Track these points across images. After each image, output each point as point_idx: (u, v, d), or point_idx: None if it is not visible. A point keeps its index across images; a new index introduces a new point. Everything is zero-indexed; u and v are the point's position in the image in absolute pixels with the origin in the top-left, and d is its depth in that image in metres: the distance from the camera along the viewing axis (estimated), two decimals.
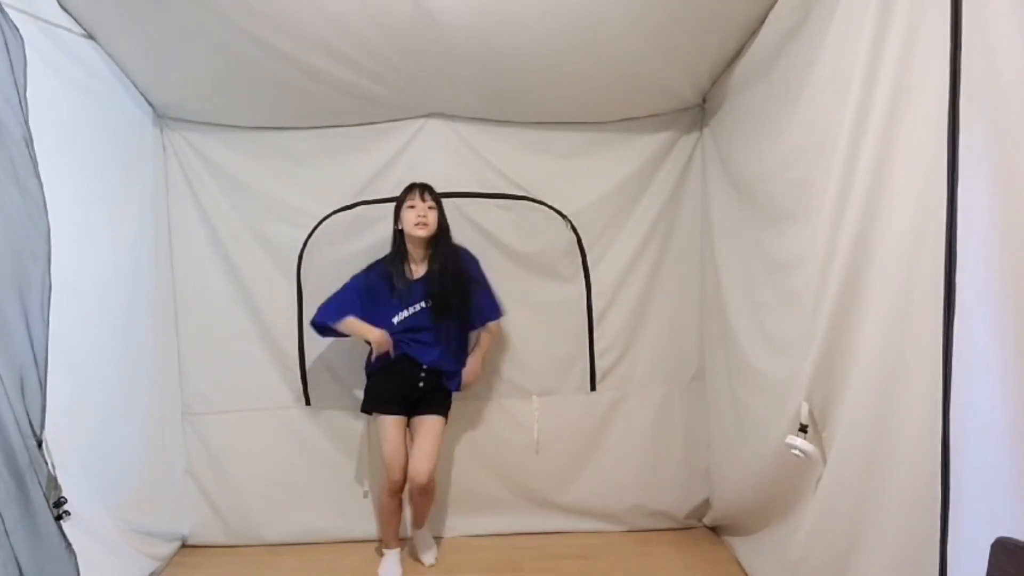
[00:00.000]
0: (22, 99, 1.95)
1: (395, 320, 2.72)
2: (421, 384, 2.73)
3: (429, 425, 2.72)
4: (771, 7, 2.27)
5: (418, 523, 2.88)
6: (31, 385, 1.94)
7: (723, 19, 2.37)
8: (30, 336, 1.94)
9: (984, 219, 1.39)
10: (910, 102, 1.62)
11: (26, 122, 1.96)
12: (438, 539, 3.06)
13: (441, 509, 3.08)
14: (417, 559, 2.88)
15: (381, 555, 2.84)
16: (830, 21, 1.92)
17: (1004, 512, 1.35)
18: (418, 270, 2.76)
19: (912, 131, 1.61)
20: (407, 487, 2.73)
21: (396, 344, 2.70)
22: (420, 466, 2.65)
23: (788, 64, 2.20)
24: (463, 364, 2.84)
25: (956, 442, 1.47)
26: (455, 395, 2.85)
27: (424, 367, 2.72)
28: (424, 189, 2.73)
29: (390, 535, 2.82)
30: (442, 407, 2.78)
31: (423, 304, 2.72)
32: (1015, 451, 1.34)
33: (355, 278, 2.80)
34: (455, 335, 2.79)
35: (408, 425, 2.77)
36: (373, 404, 2.78)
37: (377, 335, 2.66)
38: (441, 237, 2.75)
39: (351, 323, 2.71)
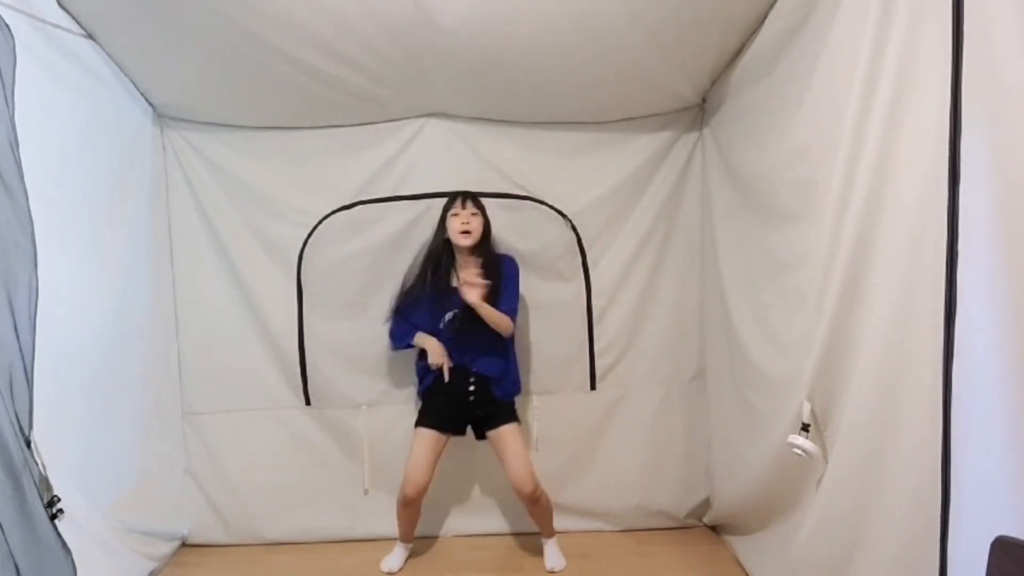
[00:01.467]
0: (8, 99, 1.92)
1: (440, 325, 2.73)
2: (472, 398, 2.72)
3: (506, 434, 2.71)
4: (772, 6, 2.26)
5: (544, 533, 2.87)
6: (19, 385, 1.92)
7: (723, 18, 2.37)
8: (18, 336, 1.92)
9: (986, 219, 1.39)
10: (912, 102, 1.61)
11: (12, 122, 1.92)
12: (438, 538, 3.06)
13: (441, 509, 3.08)
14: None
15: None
16: (832, 20, 1.92)
17: (1005, 511, 1.35)
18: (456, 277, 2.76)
19: (914, 130, 1.60)
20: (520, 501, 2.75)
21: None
22: (519, 478, 2.66)
23: (790, 63, 2.20)
24: (513, 373, 2.81)
25: (957, 441, 1.46)
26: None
27: (473, 373, 2.71)
28: (467, 197, 2.76)
29: (402, 532, 2.85)
30: (509, 415, 2.76)
31: (458, 310, 2.70)
32: (1016, 450, 1.35)
33: (406, 289, 2.84)
34: (498, 341, 2.73)
35: (488, 439, 2.78)
36: (418, 418, 2.78)
37: (435, 346, 2.71)
38: (485, 243, 2.76)
39: (419, 338, 2.77)
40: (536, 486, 2.68)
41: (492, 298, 2.66)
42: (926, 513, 1.53)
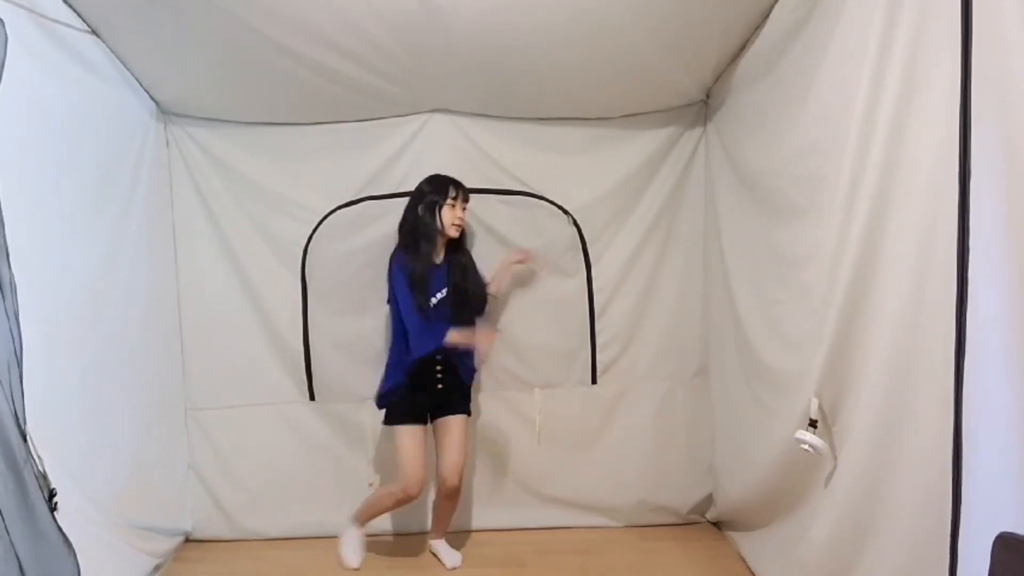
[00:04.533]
0: None
1: (432, 303, 2.68)
2: (440, 385, 2.71)
3: (454, 425, 2.72)
4: (775, 2, 2.26)
5: (439, 531, 2.86)
6: (15, 380, 1.93)
7: (727, 14, 2.37)
8: (11, 331, 1.92)
9: (996, 214, 1.39)
10: (920, 96, 1.61)
11: None
12: None
13: None
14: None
15: (350, 532, 2.85)
16: (838, 14, 1.91)
17: (1016, 508, 1.35)
18: (437, 257, 2.75)
19: (923, 125, 1.60)
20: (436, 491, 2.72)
21: (422, 341, 2.62)
22: (450, 469, 2.67)
23: (795, 58, 2.20)
24: (472, 356, 2.76)
25: (968, 437, 1.46)
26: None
27: (440, 360, 2.69)
28: (464, 191, 2.74)
29: (367, 519, 2.81)
30: (463, 405, 2.78)
31: (446, 291, 2.71)
32: None
33: (402, 294, 2.64)
34: (468, 324, 2.73)
35: (432, 425, 2.75)
36: (393, 415, 2.72)
37: (483, 340, 2.66)
38: (463, 234, 2.80)
39: (452, 337, 2.61)
40: (461, 481, 2.69)
41: (470, 279, 2.78)
42: (936, 509, 1.53)
